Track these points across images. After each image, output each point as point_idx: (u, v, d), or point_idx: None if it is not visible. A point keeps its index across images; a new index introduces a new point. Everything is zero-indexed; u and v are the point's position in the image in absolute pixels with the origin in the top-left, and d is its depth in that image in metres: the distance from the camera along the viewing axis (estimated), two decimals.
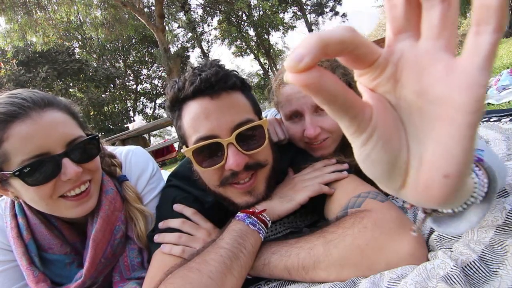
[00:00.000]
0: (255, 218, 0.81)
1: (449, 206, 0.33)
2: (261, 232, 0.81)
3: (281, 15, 20.12)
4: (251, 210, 0.83)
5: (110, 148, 1.08)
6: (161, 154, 7.67)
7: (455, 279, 0.51)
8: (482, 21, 0.21)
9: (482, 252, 0.57)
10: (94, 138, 0.87)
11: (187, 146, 0.85)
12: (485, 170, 0.41)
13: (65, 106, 0.86)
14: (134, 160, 1.07)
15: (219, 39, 22.28)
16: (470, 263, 0.54)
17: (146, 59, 23.46)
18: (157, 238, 0.88)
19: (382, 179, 0.30)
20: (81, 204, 0.84)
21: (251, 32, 21.80)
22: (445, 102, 0.24)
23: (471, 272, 0.54)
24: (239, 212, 0.84)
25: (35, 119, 0.76)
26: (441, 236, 0.64)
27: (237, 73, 0.87)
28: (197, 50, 22.42)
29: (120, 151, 1.09)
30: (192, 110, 0.80)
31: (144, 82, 24.86)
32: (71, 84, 20.18)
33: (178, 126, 0.86)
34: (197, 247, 0.82)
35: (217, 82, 0.78)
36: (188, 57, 21.27)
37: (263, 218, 0.83)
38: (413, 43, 0.25)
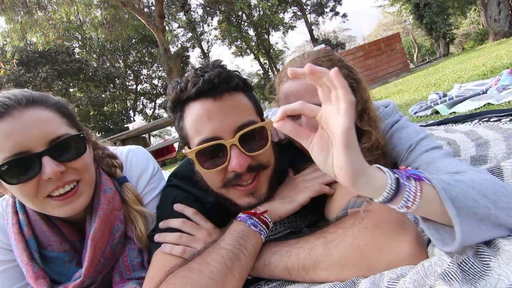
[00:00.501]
0: (256, 219, 0.81)
1: (358, 191, 0.56)
2: (262, 233, 0.81)
3: (281, 15, 20.12)
4: (252, 211, 0.83)
5: (111, 149, 1.08)
6: (161, 154, 7.67)
7: (452, 276, 0.51)
8: (338, 100, 0.54)
9: (477, 247, 0.57)
10: (79, 136, 0.85)
11: (189, 147, 0.84)
12: (434, 188, 0.58)
13: (55, 105, 0.84)
14: (134, 159, 1.07)
15: (219, 39, 22.28)
16: (465, 259, 0.55)
17: (146, 59, 23.46)
18: (158, 237, 0.88)
19: (324, 170, 0.61)
20: (68, 203, 0.82)
21: (251, 32, 21.81)
22: (335, 133, 0.54)
23: (466, 267, 0.54)
24: (240, 213, 0.84)
25: (16, 117, 0.75)
26: None
27: (239, 74, 0.87)
28: (197, 50, 22.43)
29: (120, 151, 1.09)
30: (194, 111, 0.79)
31: (144, 82, 24.86)
32: (71, 84, 20.17)
33: (180, 127, 0.85)
34: (198, 247, 0.82)
35: (220, 84, 0.78)
36: (188, 57, 21.27)
37: (265, 219, 0.83)
38: (329, 106, 0.57)
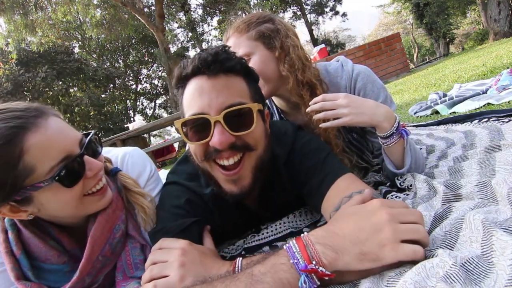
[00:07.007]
0: (313, 279, 0.60)
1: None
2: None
3: (281, 15, 20.11)
4: (319, 270, 0.59)
5: (106, 150, 1.07)
6: (161, 154, 7.69)
7: (454, 278, 0.51)
8: None
9: (482, 246, 0.57)
10: (96, 134, 0.92)
11: None
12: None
13: (54, 113, 0.86)
14: (131, 162, 1.06)
15: (219, 39, 22.26)
16: (469, 259, 0.54)
17: (146, 59, 23.44)
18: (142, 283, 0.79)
19: None
20: (104, 196, 0.89)
21: None
22: None
23: (471, 267, 0.53)
24: (299, 257, 0.61)
25: (45, 127, 0.77)
26: (445, 235, 0.65)
27: (244, 61, 0.88)
28: (197, 50, 22.41)
29: (116, 154, 1.08)
30: (190, 87, 0.84)
31: (144, 82, 24.85)
32: (70, 84, 20.15)
33: (180, 103, 0.90)
34: (172, 273, 0.74)
35: (213, 62, 0.80)
36: (188, 57, 21.24)
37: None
38: None
